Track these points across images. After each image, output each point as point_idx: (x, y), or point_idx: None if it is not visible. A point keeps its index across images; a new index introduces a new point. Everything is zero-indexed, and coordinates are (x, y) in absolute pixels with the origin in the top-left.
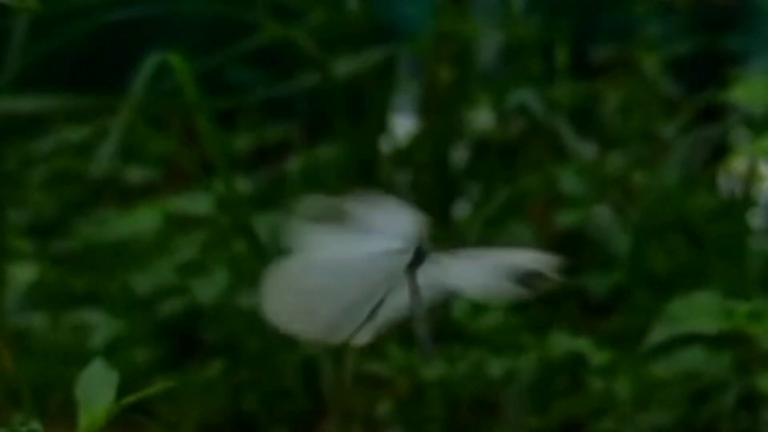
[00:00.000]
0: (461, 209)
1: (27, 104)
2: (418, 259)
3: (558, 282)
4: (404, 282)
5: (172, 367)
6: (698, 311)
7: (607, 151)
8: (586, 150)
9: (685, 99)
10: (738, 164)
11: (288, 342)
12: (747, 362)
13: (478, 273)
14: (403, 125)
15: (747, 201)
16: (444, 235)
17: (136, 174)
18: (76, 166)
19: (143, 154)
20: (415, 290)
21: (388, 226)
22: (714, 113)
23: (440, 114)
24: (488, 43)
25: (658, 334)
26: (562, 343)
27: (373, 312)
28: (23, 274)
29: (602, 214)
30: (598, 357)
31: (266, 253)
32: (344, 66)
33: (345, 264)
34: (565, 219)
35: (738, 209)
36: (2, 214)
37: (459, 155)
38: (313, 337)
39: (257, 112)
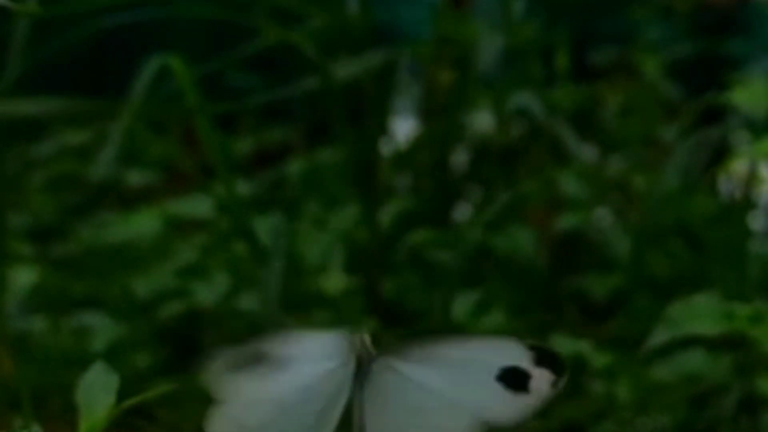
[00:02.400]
0: (461, 212)
1: (28, 108)
2: (360, 368)
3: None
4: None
5: (173, 370)
6: (698, 314)
7: (608, 154)
8: (587, 153)
9: (685, 102)
10: (738, 167)
11: None
12: (747, 365)
13: (444, 382)
14: (403, 128)
15: (747, 204)
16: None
17: (136, 178)
18: (77, 169)
19: (143, 157)
20: (360, 402)
21: (316, 352)
22: (714, 116)
23: (440, 117)
24: (488, 47)
25: (658, 337)
26: (563, 346)
27: None
28: (23, 277)
29: (602, 217)
30: (599, 360)
31: (266, 256)
32: (344, 69)
33: (287, 397)
34: (566, 222)
35: (738, 212)
36: (3, 218)
37: (459, 158)
38: None
39: (257, 115)
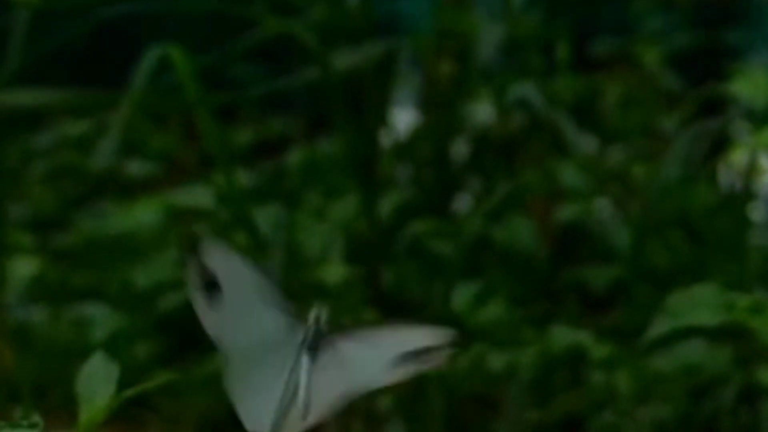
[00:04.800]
0: (462, 203)
1: (27, 99)
2: (314, 337)
3: (448, 356)
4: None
5: (173, 361)
6: (698, 305)
7: (608, 145)
8: (587, 144)
9: (686, 93)
10: (738, 158)
11: None
12: (747, 356)
13: (373, 359)
14: (403, 119)
15: (747, 195)
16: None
17: (136, 168)
18: (77, 160)
19: (144, 148)
20: (308, 370)
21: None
22: (714, 107)
23: (441, 108)
24: (489, 38)
25: (658, 327)
26: (563, 337)
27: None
28: (24, 268)
29: (602, 208)
30: (599, 351)
31: (266, 247)
32: (344, 60)
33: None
34: (566, 213)
35: (738, 203)
36: (3, 209)
37: (459, 149)
38: None
39: (257, 106)
